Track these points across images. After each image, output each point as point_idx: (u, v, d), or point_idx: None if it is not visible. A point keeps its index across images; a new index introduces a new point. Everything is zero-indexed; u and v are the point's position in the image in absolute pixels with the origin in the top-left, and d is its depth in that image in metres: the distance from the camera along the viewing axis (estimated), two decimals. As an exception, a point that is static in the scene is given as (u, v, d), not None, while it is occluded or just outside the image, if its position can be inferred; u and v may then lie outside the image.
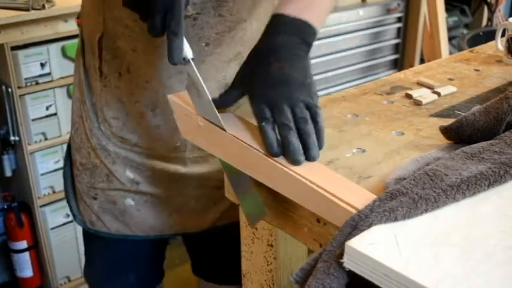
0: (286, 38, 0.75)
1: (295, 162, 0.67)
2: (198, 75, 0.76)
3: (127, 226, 1.08)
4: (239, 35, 0.97)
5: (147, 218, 1.07)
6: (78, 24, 1.06)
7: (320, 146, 0.70)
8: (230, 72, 0.97)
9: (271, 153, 0.68)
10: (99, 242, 1.14)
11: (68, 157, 1.12)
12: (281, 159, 0.68)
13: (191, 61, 0.76)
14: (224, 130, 0.73)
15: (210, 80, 0.94)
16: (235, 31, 0.96)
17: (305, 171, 0.66)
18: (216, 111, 0.75)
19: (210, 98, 0.76)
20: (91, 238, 1.14)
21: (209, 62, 0.95)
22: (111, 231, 1.08)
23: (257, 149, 0.70)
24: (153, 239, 1.10)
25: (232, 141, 0.72)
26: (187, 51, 0.76)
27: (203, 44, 0.93)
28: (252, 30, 0.98)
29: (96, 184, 1.06)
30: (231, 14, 0.94)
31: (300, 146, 0.68)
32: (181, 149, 1.01)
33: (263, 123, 0.70)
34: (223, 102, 0.78)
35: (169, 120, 0.95)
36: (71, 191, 1.12)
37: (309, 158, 0.68)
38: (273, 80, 0.72)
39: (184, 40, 0.76)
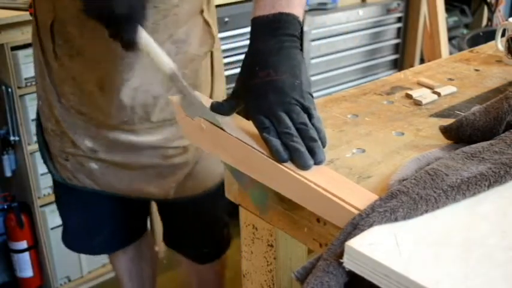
0: (267, 42, 0.74)
1: (305, 167, 0.66)
2: (184, 82, 0.79)
3: (97, 184, 1.20)
4: (172, 19, 1.06)
5: (111, 181, 1.19)
6: (31, 14, 1.18)
7: (323, 145, 0.70)
8: (165, 50, 1.02)
9: (280, 159, 0.67)
10: (76, 198, 1.26)
11: (39, 125, 1.23)
12: (287, 163, 0.68)
13: (176, 72, 0.80)
14: (223, 129, 0.73)
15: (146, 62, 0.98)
16: (169, 17, 1.05)
17: (307, 172, 0.66)
18: (211, 111, 0.76)
19: (200, 99, 0.78)
20: (69, 194, 1.26)
21: None
22: (86, 186, 1.21)
23: (262, 152, 0.69)
24: (124, 197, 1.22)
25: (237, 144, 0.72)
26: (169, 62, 0.81)
27: None
28: (184, 12, 1.07)
29: (65, 149, 1.18)
30: (164, 3, 1.03)
31: (306, 150, 0.67)
32: (129, 123, 1.12)
33: (264, 134, 0.69)
34: (220, 113, 0.78)
35: (115, 98, 1.08)
36: (46, 154, 1.24)
37: (315, 161, 0.67)
38: (263, 90, 0.72)
39: (165, 54, 0.82)
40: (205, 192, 1.23)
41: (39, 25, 1.12)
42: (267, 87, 0.71)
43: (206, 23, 1.14)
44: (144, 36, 0.82)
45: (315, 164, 0.67)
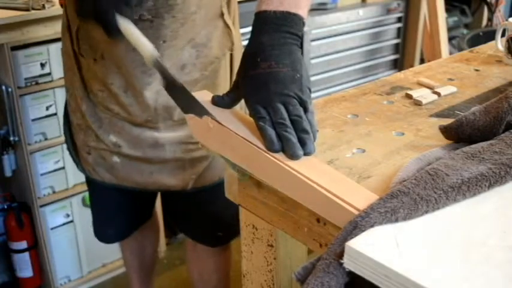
0: (271, 35, 0.76)
1: (294, 156, 0.69)
2: (167, 68, 0.84)
3: (116, 178, 1.25)
4: (190, 25, 1.10)
5: (132, 174, 1.23)
6: (61, 5, 1.24)
7: (314, 139, 0.72)
8: (185, 54, 1.13)
9: (271, 149, 0.69)
10: (97, 189, 1.35)
11: (66, 118, 1.30)
12: (290, 162, 0.68)
13: (158, 59, 0.84)
14: (218, 122, 0.75)
15: (166, 64, 1.01)
16: (187, 24, 1.10)
17: (309, 171, 0.66)
18: (202, 104, 0.78)
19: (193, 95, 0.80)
20: (92, 185, 1.36)
21: (167, 54, 1.10)
22: (104, 181, 1.26)
23: (265, 151, 0.70)
24: (140, 190, 1.26)
25: (242, 143, 0.72)
26: (152, 49, 0.85)
27: (161, 42, 1.08)
28: (201, 17, 1.12)
29: (89, 142, 1.23)
30: (182, 12, 1.08)
31: (297, 141, 0.70)
32: (153, 121, 1.17)
33: (260, 122, 0.71)
34: (222, 106, 0.79)
35: (139, 100, 1.14)
36: (71, 146, 1.30)
37: (305, 152, 0.70)
38: (263, 80, 0.73)
39: (148, 41, 0.87)
40: (220, 180, 1.25)
41: (70, 23, 1.17)
42: (268, 78, 0.73)
43: (226, 25, 1.17)
44: (124, 26, 0.88)
45: (304, 154, 0.69)
